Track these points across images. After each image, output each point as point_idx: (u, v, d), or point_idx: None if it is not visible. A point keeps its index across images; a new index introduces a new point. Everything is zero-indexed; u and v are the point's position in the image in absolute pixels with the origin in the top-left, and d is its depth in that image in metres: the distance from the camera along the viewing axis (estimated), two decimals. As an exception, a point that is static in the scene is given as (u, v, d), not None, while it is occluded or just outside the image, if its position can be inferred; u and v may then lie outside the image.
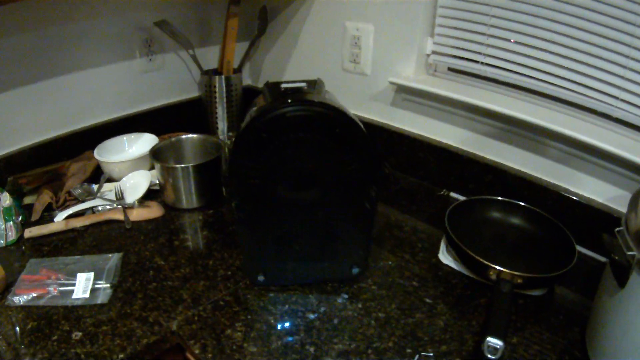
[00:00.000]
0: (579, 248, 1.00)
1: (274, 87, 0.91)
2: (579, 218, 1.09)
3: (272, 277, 0.97)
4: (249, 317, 0.91)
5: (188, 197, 1.23)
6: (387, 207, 1.30)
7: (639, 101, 0.98)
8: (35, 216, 1.16)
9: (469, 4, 1.16)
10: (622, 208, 1.04)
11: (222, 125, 1.58)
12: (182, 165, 1.18)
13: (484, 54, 1.17)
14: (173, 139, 1.33)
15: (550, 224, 1.09)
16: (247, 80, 1.84)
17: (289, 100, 0.80)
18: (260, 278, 0.96)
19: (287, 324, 0.90)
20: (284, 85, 0.92)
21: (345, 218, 0.92)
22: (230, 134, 1.23)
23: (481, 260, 0.95)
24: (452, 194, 1.35)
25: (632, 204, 0.78)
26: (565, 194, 1.12)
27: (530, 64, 1.10)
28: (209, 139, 1.37)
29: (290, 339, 0.87)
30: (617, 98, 1.00)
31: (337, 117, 0.81)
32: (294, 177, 0.86)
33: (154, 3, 1.46)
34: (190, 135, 1.36)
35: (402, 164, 1.45)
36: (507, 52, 1.13)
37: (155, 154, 1.23)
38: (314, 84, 0.93)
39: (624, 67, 0.97)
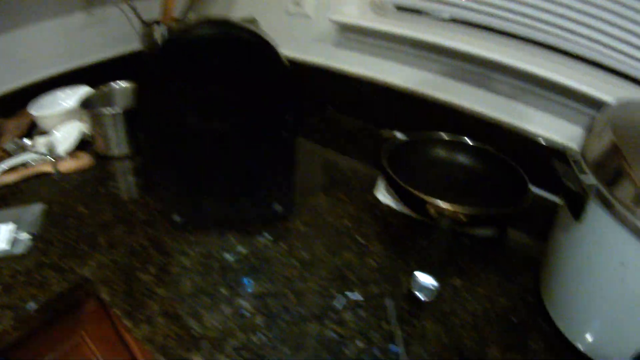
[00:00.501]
0: (533, 189, 0.95)
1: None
2: (533, 157, 1.03)
3: (189, 218, 0.93)
4: (163, 259, 0.88)
5: (117, 144, 1.19)
6: (326, 150, 1.26)
7: (593, 34, 0.92)
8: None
9: None
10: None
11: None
12: (111, 112, 1.13)
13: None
14: (104, 89, 1.28)
15: (503, 163, 1.03)
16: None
17: (199, 23, 0.74)
18: (176, 218, 0.92)
19: (201, 266, 0.86)
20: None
21: (262, 149, 0.86)
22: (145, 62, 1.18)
23: (419, 194, 0.89)
24: (398, 134, 1.28)
25: (589, 130, 0.72)
26: (519, 132, 1.07)
27: None
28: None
29: (202, 280, 0.83)
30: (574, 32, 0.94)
31: (248, 37, 0.75)
32: (204, 104, 0.80)
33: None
34: (122, 84, 1.31)
35: (345, 106, 1.40)
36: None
37: (86, 104, 1.19)
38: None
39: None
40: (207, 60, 0.75)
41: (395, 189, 0.97)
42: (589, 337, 0.70)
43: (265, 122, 0.83)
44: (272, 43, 0.76)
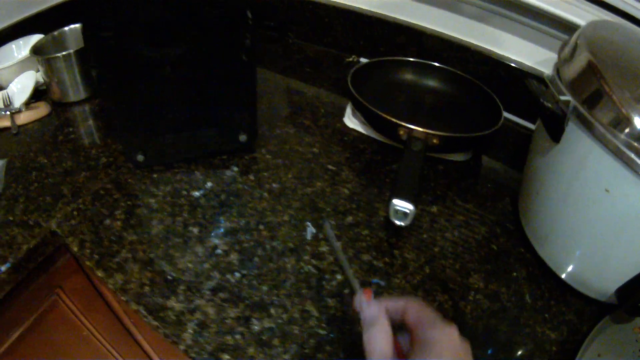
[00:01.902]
0: (506, 114, 0.92)
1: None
2: (504, 81, 1.00)
3: (152, 156, 0.89)
4: (129, 202, 0.85)
5: (74, 88, 1.14)
6: (288, 78, 1.21)
7: None
8: None
9: None
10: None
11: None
12: (63, 53, 1.08)
13: None
14: (56, 33, 1.22)
15: (473, 86, 1.00)
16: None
17: None
18: (140, 157, 0.88)
19: (169, 206, 0.83)
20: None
21: (220, 76, 0.82)
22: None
23: (389, 118, 0.87)
24: (363, 60, 1.24)
25: (564, 48, 0.69)
26: (489, 55, 1.03)
27: None
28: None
29: (171, 221, 0.80)
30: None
31: None
32: (153, 30, 0.75)
33: None
34: (73, 26, 1.24)
35: (306, 32, 1.35)
36: None
37: (38, 51, 1.13)
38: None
39: None
40: None
41: (364, 114, 0.94)
42: (571, 266, 0.70)
43: (222, 46, 0.79)
44: None
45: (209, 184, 0.87)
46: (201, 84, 0.82)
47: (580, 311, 0.69)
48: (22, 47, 1.29)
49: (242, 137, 0.89)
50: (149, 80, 0.80)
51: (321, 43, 1.34)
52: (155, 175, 0.90)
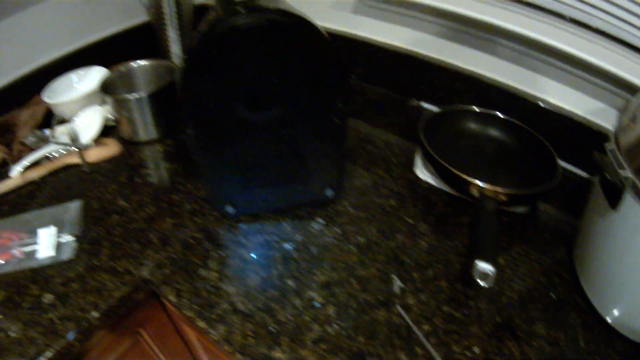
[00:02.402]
0: (561, 163, 0.96)
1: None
2: (558, 131, 1.04)
3: (241, 207, 0.92)
4: (222, 253, 0.87)
5: (145, 128, 1.15)
6: (355, 121, 1.24)
7: (619, 12, 0.89)
8: (-10, 175, 1.07)
9: None
10: (604, 123, 0.99)
11: (174, 48, 1.47)
12: (136, 96, 1.09)
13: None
14: (123, 69, 1.23)
15: (530, 136, 1.03)
16: (198, -2, 1.69)
17: (240, 10, 0.70)
18: (229, 209, 0.91)
19: (263, 258, 0.86)
20: (236, -3, 0.83)
21: (313, 136, 0.85)
22: (184, 55, 1.13)
23: (463, 176, 0.90)
24: (423, 104, 1.28)
25: (622, 119, 0.72)
26: (544, 105, 1.06)
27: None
28: (161, 63, 1.27)
29: (268, 273, 0.83)
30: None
31: (294, 24, 0.72)
32: (253, 96, 0.78)
33: None
34: (140, 62, 1.26)
35: (368, 74, 1.37)
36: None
37: (106, 88, 1.14)
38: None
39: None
40: (251, 50, 0.72)
41: (435, 168, 0.97)
42: (620, 314, 0.74)
43: (317, 109, 0.81)
44: (319, 28, 0.73)
45: (299, 237, 0.89)
46: (293, 142, 0.85)
47: (627, 354, 0.73)
48: (82, 78, 1.30)
49: (329, 192, 0.92)
50: (243, 139, 0.82)
51: (382, 85, 1.36)
52: (243, 226, 0.92)
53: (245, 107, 0.78)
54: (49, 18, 1.32)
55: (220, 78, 0.74)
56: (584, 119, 1.02)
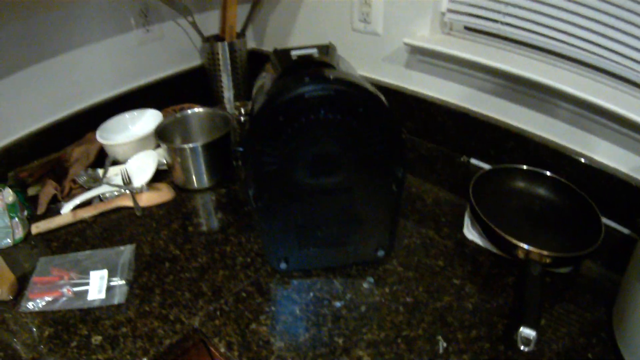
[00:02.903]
0: (603, 220, 0.96)
1: (283, 55, 0.86)
2: (602, 188, 1.04)
3: (294, 264, 0.94)
4: (273, 308, 0.88)
5: (198, 177, 1.18)
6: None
7: None
8: (40, 209, 1.11)
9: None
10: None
11: (227, 94, 1.51)
12: (191, 146, 1.12)
13: (503, 13, 1.08)
14: (178, 115, 1.26)
15: (574, 194, 1.04)
16: (251, 44, 1.75)
17: (307, 79, 0.72)
18: (282, 266, 0.93)
19: (313, 315, 0.87)
20: (294, 53, 0.86)
21: (370, 201, 0.87)
22: (237, 103, 1.16)
23: (509, 239, 0.90)
24: (473, 161, 1.29)
25: None
26: (588, 163, 1.06)
27: (552, 24, 1.02)
28: (216, 112, 1.30)
29: (317, 330, 0.84)
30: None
31: (359, 94, 0.74)
32: (314, 162, 0.80)
33: (146, -30, 1.37)
34: (196, 110, 1.29)
35: (419, 128, 1.39)
36: (528, 11, 1.04)
37: (161, 133, 1.17)
38: (326, 50, 0.87)
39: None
40: (315, 118, 0.75)
41: (483, 228, 0.98)
42: None
43: (376, 176, 0.83)
44: (382, 99, 0.76)
45: (349, 295, 0.90)
46: (350, 206, 0.87)
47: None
48: (136, 120, 1.33)
49: (380, 253, 0.94)
50: (302, 201, 0.84)
51: (433, 140, 1.37)
52: (295, 282, 0.93)
53: (306, 173, 0.81)
54: (109, 56, 1.38)
55: (283, 143, 0.76)
56: (627, 175, 1.02)
